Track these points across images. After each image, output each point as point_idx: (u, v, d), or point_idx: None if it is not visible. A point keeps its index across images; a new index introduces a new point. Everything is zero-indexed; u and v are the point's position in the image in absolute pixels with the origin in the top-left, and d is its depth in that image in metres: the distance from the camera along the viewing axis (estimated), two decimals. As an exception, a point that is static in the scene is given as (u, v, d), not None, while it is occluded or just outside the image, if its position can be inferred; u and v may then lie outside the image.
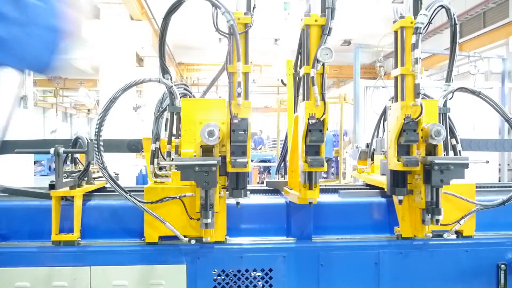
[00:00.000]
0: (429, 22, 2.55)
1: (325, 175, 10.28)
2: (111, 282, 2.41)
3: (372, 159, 3.28)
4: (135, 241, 2.54)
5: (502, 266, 2.58)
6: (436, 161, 2.39)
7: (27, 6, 1.27)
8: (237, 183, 2.40)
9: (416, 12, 2.60)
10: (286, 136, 3.05)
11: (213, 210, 2.33)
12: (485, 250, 2.62)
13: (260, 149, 15.73)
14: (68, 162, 2.80)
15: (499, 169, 7.52)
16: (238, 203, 2.44)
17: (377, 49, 7.38)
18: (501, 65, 8.18)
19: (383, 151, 2.85)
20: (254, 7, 2.53)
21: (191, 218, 2.43)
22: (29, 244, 2.51)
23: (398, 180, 2.58)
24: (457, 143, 2.70)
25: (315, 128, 2.39)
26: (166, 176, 2.69)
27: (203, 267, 2.46)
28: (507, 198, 2.57)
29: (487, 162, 2.51)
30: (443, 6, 2.54)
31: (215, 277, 2.46)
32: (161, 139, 2.68)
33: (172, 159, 2.59)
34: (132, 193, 2.46)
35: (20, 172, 5.04)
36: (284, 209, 2.69)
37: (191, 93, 2.89)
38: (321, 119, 2.39)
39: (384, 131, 2.97)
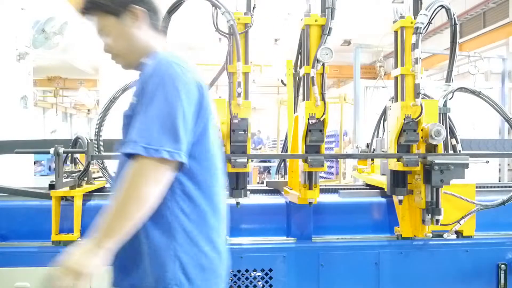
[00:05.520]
0: (429, 22, 2.54)
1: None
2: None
3: (372, 159, 3.28)
4: (135, 241, 2.54)
5: (502, 266, 2.58)
6: (436, 161, 2.39)
7: None
8: (237, 183, 2.40)
9: (416, 12, 2.60)
10: (286, 136, 3.05)
11: (213, 210, 2.32)
12: (485, 250, 2.62)
13: (260, 148, 15.68)
14: (68, 162, 2.80)
15: (499, 169, 7.49)
16: (238, 203, 2.44)
17: (377, 49, 7.37)
18: (501, 65, 8.15)
19: (383, 151, 2.85)
20: (254, 7, 2.53)
21: (191, 218, 2.43)
22: (29, 244, 2.50)
23: (398, 180, 2.58)
24: (457, 143, 2.70)
25: (315, 128, 2.39)
26: (166, 176, 2.69)
27: (203, 267, 2.45)
28: (507, 198, 2.57)
29: (487, 162, 2.51)
30: (443, 6, 2.54)
31: (215, 277, 2.45)
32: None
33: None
34: (132, 193, 2.46)
35: (20, 172, 5.03)
36: (284, 209, 2.69)
37: (191, 93, 2.88)
38: (321, 119, 2.39)
39: (384, 131, 2.97)
